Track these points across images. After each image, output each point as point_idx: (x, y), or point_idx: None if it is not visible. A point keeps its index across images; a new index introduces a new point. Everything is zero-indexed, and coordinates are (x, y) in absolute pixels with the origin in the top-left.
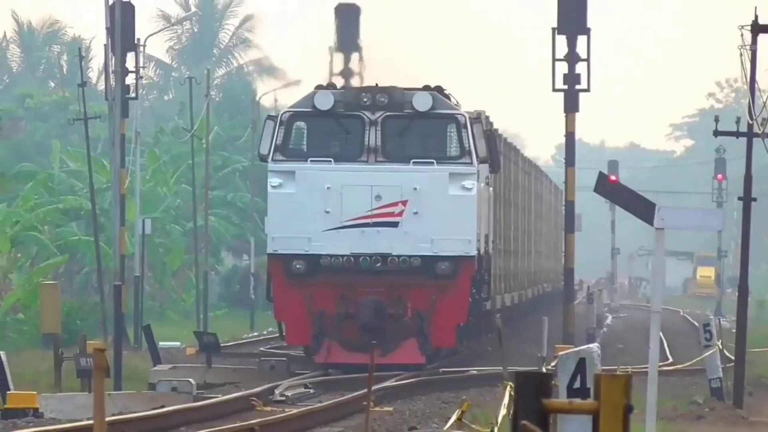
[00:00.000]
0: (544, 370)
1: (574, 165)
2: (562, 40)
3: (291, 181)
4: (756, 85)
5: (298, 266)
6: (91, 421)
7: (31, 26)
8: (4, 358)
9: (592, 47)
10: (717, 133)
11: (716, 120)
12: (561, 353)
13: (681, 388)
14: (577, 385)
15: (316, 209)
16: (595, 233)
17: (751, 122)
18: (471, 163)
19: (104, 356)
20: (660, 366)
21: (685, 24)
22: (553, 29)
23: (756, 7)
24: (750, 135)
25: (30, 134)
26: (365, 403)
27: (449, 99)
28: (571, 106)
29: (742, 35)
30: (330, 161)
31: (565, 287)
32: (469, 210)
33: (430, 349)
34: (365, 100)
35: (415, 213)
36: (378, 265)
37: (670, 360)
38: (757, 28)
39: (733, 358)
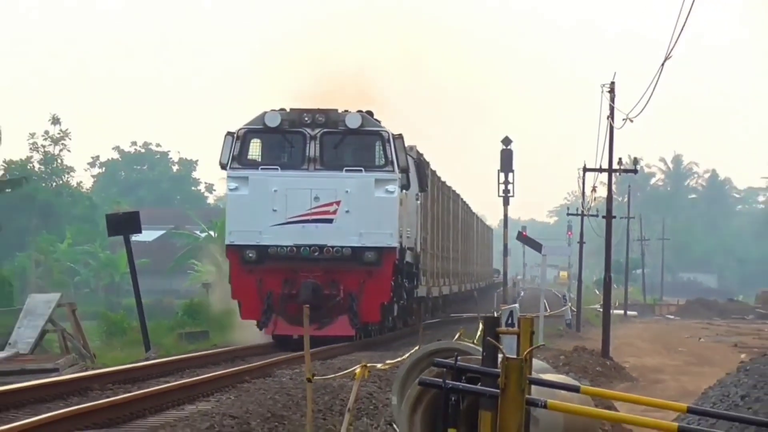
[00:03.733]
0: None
1: (507, 228)
2: (502, 175)
3: (245, 186)
4: (585, 194)
5: (250, 255)
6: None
7: None
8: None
9: (516, 177)
10: (568, 213)
11: (568, 209)
12: (503, 308)
13: (553, 324)
14: (509, 322)
15: (266, 208)
16: (515, 256)
17: (582, 209)
18: (393, 171)
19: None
20: (545, 314)
21: (553, 167)
22: (498, 170)
23: (585, 161)
24: (582, 215)
25: None
26: (419, 329)
27: (378, 121)
28: (505, 202)
29: (578, 172)
30: (277, 169)
31: (504, 281)
32: (392, 209)
33: (359, 324)
34: (306, 119)
35: (347, 211)
36: (316, 254)
37: (548, 311)
38: (585, 170)
39: (575, 310)
